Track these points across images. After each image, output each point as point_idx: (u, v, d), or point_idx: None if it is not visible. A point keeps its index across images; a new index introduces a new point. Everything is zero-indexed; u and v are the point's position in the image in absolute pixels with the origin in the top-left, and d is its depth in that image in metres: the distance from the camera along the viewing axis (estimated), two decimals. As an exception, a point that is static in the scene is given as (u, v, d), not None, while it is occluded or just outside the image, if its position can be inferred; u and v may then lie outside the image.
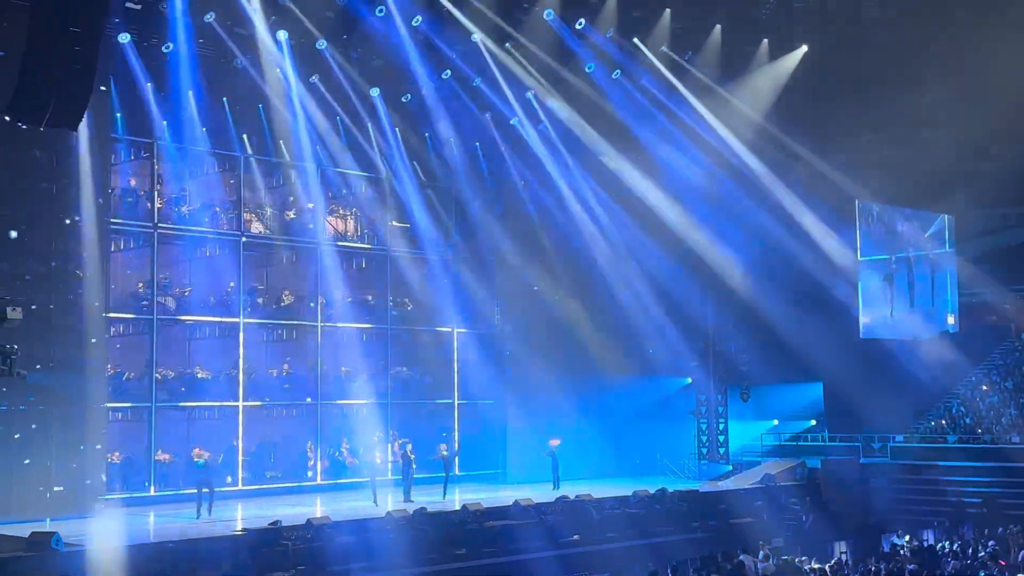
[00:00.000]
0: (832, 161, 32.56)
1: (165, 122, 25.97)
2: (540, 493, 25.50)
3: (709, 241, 31.69)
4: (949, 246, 37.28)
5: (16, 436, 21.39)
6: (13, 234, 21.67)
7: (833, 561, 21.37)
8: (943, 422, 33.56)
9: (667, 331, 31.80)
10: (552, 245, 31.92)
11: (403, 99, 29.27)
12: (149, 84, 25.25)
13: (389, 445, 29.25)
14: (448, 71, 28.24)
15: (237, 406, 27.25)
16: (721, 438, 32.84)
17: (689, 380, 33.91)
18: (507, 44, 27.53)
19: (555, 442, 28.65)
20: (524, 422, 30.66)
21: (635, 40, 28.61)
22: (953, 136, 33.35)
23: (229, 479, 26.53)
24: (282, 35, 25.47)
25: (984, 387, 35.20)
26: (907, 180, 33.93)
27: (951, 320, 37.64)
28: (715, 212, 31.72)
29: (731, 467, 32.18)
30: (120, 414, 25.48)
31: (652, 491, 25.81)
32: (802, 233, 32.28)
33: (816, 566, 20.08)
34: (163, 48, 24.57)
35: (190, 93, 25.69)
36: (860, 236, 34.63)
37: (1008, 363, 35.90)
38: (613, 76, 29.40)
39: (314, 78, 27.29)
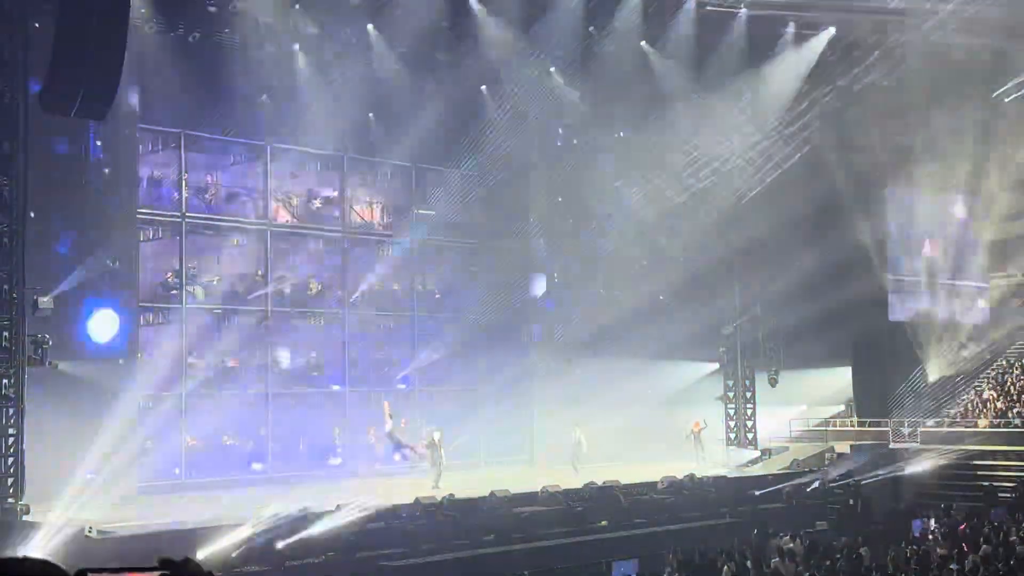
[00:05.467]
0: (861, 143, 32.24)
1: (192, 112, 26.04)
2: (570, 477, 25.44)
3: (736, 225, 31.44)
4: (980, 227, 36.86)
5: (48, 424, 21.59)
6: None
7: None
8: (974, 406, 33.25)
9: (695, 315, 31.61)
10: (578, 229, 31.80)
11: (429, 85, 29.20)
12: (176, 74, 25.34)
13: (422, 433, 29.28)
14: (472, 57, 28.13)
15: (266, 393, 27.41)
16: (749, 423, 32.69)
17: (717, 365, 33.74)
18: (531, 27, 27.41)
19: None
20: (551, 407, 30.63)
21: (660, 22, 28.41)
22: (983, 118, 32.92)
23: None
24: (308, 22, 25.48)
25: (1016, 370, 34.86)
26: (938, 163, 33.59)
27: (982, 302, 37.29)
28: (741, 195, 31.48)
29: (760, 452, 32.05)
30: (151, 402, 25.68)
31: (681, 476, 25.75)
32: (831, 216, 31.97)
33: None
34: (190, 38, 24.65)
35: (217, 82, 25.75)
36: (890, 218, 34.32)
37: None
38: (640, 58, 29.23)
39: (340, 65, 27.26)
